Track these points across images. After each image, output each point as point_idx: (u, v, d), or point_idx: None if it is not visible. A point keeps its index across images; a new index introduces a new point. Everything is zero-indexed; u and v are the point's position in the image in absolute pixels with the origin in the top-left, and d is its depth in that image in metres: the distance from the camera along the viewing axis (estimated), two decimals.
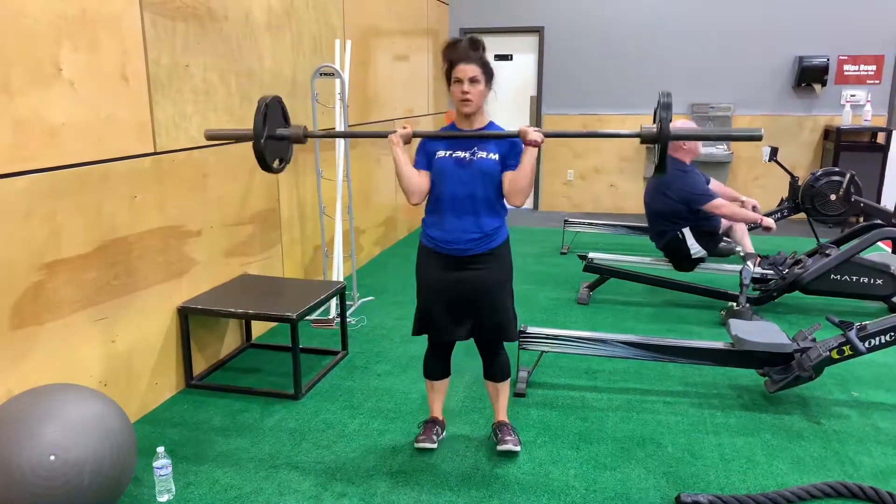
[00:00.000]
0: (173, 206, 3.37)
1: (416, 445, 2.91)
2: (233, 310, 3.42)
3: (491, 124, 2.74)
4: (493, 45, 8.39)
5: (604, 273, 4.91)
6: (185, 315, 3.44)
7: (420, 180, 2.69)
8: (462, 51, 2.59)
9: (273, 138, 2.72)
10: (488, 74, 2.63)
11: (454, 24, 8.37)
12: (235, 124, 3.86)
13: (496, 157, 2.63)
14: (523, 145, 2.58)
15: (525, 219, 8.04)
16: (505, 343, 2.86)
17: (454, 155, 2.66)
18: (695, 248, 4.65)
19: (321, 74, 4.44)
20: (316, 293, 3.69)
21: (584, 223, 6.40)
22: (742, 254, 4.77)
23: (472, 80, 2.58)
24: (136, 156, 3.11)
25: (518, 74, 8.42)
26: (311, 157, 4.76)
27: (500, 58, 8.43)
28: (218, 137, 2.86)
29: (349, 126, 5.06)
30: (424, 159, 2.74)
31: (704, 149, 7.76)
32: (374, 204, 6.20)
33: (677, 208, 4.60)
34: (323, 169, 4.68)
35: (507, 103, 8.48)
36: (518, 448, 2.86)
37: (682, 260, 4.77)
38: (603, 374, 3.67)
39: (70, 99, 2.71)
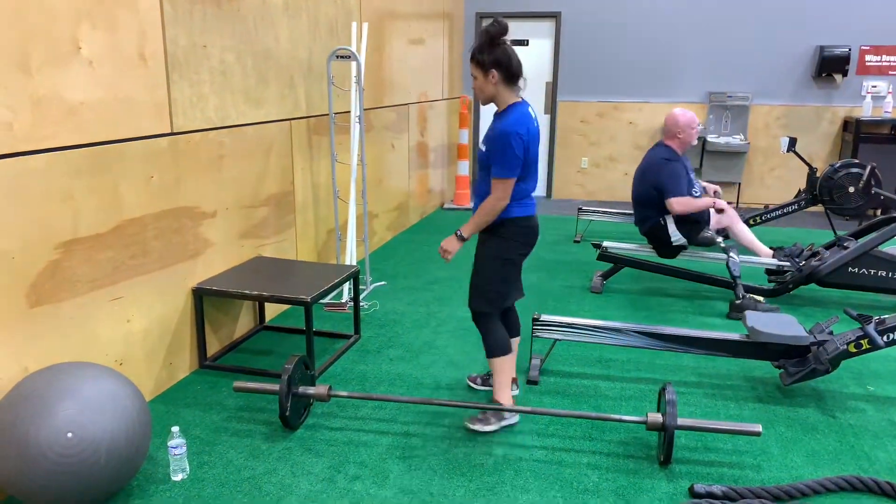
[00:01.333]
0: (189, 186, 3.37)
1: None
2: (247, 291, 3.42)
3: (508, 109, 2.83)
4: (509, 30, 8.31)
5: (617, 262, 4.89)
6: (200, 296, 3.45)
7: None
8: (473, 50, 2.83)
9: (297, 395, 2.95)
10: (482, 65, 2.79)
11: (470, 9, 8.30)
12: (251, 106, 3.85)
13: (485, 149, 2.84)
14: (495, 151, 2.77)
15: (537, 206, 8.00)
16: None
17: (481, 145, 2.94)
18: (675, 236, 4.64)
19: (337, 57, 4.42)
20: (330, 277, 3.69)
21: (598, 212, 6.36)
22: (721, 245, 4.70)
23: (473, 77, 2.84)
24: (153, 136, 3.10)
25: (534, 60, 8.35)
26: (326, 140, 4.74)
27: (515, 43, 8.35)
28: (246, 390, 2.97)
29: (364, 109, 5.04)
30: None
31: (721, 139, 7.68)
32: (388, 188, 6.19)
33: (654, 195, 4.59)
34: (337, 153, 4.67)
35: (523, 89, 8.42)
36: (474, 427, 2.94)
37: (664, 247, 4.76)
38: (616, 364, 3.66)
39: (88, 78, 2.71)
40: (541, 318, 3.45)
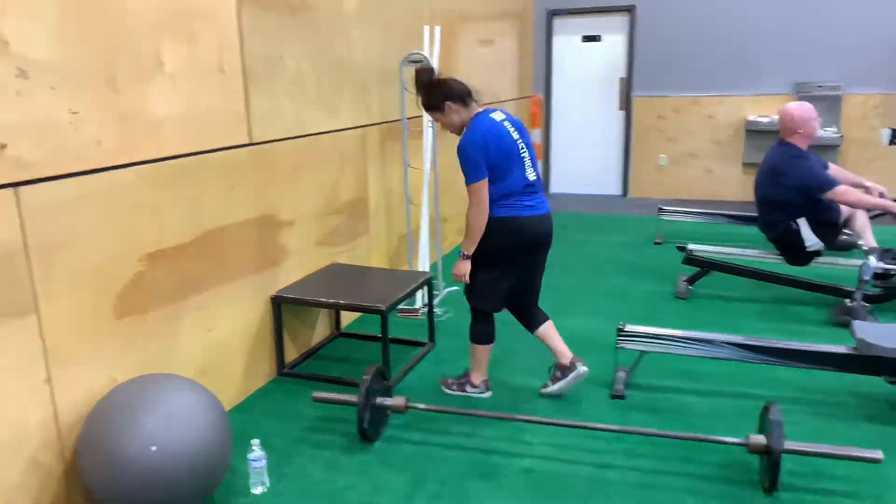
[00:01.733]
0: (267, 196, 3.38)
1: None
2: (324, 299, 3.41)
3: (470, 125, 3.04)
4: (580, 27, 8.13)
5: (705, 266, 4.66)
6: (279, 304, 3.45)
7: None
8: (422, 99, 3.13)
9: (375, 407, 2.93)
10: (437, 107, 3.06)
11: (540, 6, 8.14)
12: (326, 114, 3.84)
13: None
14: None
15: (613, 205, 7.79)
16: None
17: None
18: (810, 241, 4.31)
19: (410, 62, 4.36)
20: (404, 283, 3.65)
21: (680, 211, 6.11)
22: (865, 247, 4.38)
23: (436, 121, 3.14)
24: (233, 147, 3.12)
25: (607, 56, 8.13)
26: (398, 146, 4.70)
27: (588, 39, 8.16)
28: (324, 401, 2.98)
29: None
30: None
31: None
32: (459, 192, 6.08)
33: (791, 197, 4.28)
34: (409, 158, 4.62)
35: (596, 85, 8.22)
36: (447, 391, 3.33)
37: (796, 253, 4.45)
38: (708, 377, 3.47)
39: (171, 92, 2.73)
40: (626, 329, 3.29)
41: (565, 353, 3.27)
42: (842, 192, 4.14)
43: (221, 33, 2.98)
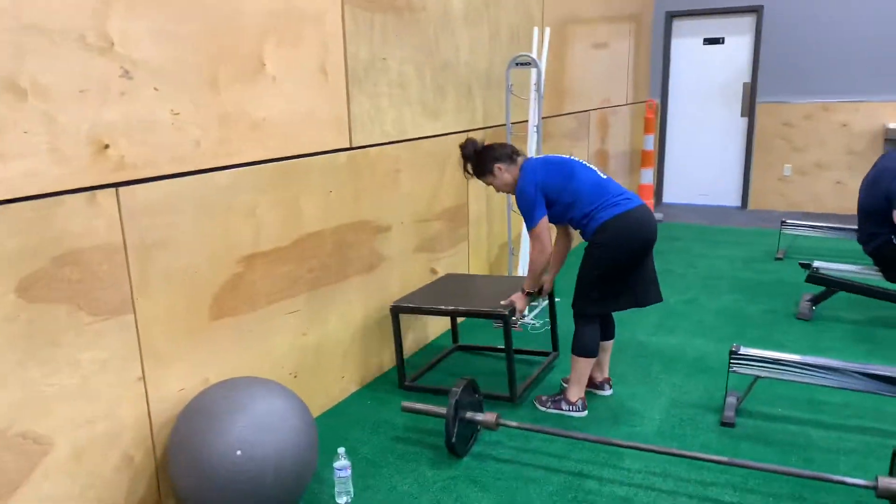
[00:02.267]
0: (366, 201, 3.36)
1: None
2: (442, 307, 3.28)
3: (520, 180, 3.09)
4: (701, 28, 7.73)
5: (831, 285, 4.25)
6: (397, 313, 3.36)
7: (563, 241, 3.39)
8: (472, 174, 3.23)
9: (464, 421, 2.83)
10: (489, 172, 3.14)
11: (659, 7, 7.80)
12: (428, 118, 3.79)
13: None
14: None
15: (731, 218, 7.32)
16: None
17: None
18: None
19: (517, 64, 4.25)
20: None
21: (805, 225, 5.64)
22: None
23: (489, 185, 3.21)
24: (333, 150, 3.11)
25: (730, 59, 7.67)
26: None
27: (709, 41, 7.74)
28: (413, 411, 2.91)
29: (542, 117, 4.84)
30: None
31: None
32: None
33: (885, 207, 3.86)
34: None
35: (716, 91, 7.79)
36: (542, 408, 3.20)
37: (894, 269, 4.01)
38: (830, 408, 3.13)
39: (272, 94, 2.75)
40: (740, 351, 3.02)
41: (605, 370, 3.37)
42: None
43: (325, 35, 2.98)
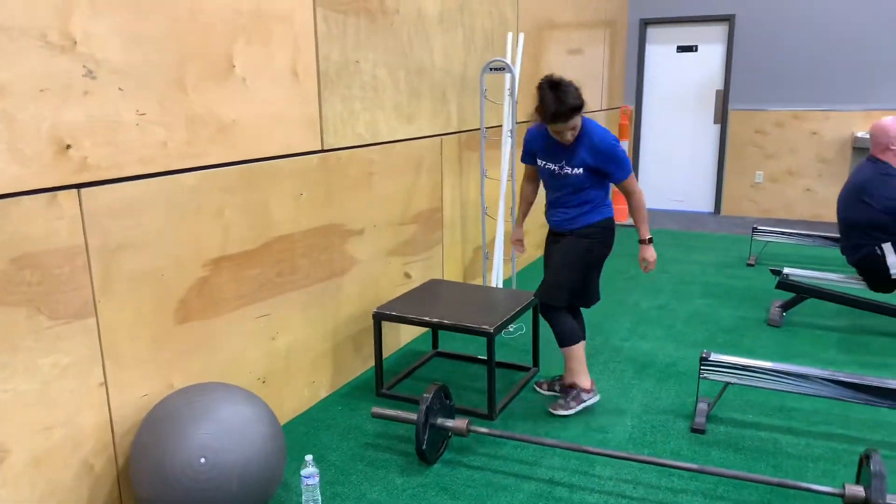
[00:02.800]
0: (338, 204, 3.32)
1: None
2: (427, 318, 3.21)
3: (583, 127, 3.03)
4: (675, 36, 7.80)
5: (801, 292, 4.30)
6: (379, 320, 3.32)
7: (531, 187, 3.47)
8: (557, 113, 2.87)
9: (435, 428, 2.79)
10: (580, 110, 2.94)
11: (634, 15, 7.86)
12: (403, 122, 3.76)
13: (581, 170, 3.03)
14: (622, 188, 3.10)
15: (704, 224, 7.39)
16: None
17: (547, 166, 3.16)
18: None
19: (491, 69, 4.24)
20: (510, 304, 3.39)
21: (777, 232, 5.70)
22: None
23: (573, 128, 2.97)
24: (304, 153, 3.08)
25: (702, 67, 7.75)
26: (477, 155, 4.59)
27: (682, 49, 7.81)
28: (384, 417, 2.87)
29: (517, 123, 4.83)
30: (530, 157, 3.28)
31: None
32: (537, 205, 5.92)
33: (878, 219, 3.92)
34: (487, 168, 4.49)
35: (689, 97, 7.86)
36: (556, 412, 3.17)
37: (880, 280, 4.08)
38: (800, 415, 3.16)
39: (242, 95, 2.71)
40: (710, 358, 3.04)
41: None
42: None
43: (296, 36, 2.95)
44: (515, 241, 3.48)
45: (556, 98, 2.85)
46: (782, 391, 2.97)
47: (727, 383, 3.05)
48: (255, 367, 2.93)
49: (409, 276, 4.02)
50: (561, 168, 3.09)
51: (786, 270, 4.36)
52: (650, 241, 3.12)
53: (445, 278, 4.42)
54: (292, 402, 3.18)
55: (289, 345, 3.11)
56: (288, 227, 3.02)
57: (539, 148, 3.17)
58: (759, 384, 2.96)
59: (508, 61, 4.30)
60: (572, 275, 3.12)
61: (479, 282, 4.81)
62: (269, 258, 2.93)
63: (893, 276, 3.98)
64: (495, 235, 4.49)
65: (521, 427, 3.08)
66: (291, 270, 3.07)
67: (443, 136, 4.21)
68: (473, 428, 2.79)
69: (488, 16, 4.59)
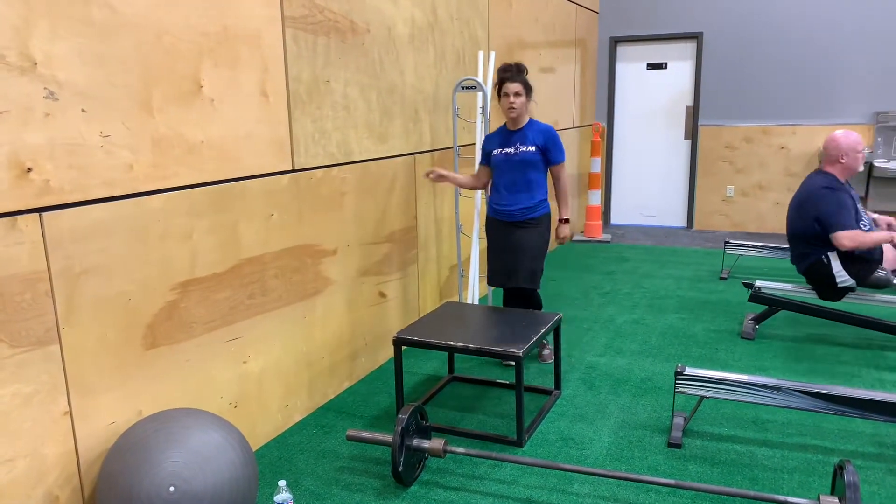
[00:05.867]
0: (310, 224, 3.30)
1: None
2: (451, 343, 3.08)
3: (530, 122, 3.74)
4: (645, 54, 7.92)
5: (773, 304, 4.34)
6: (400, 346, 3.19)
7: (478, 179, 3.92)
8: (511, 72, 3.65)
9: (411, 449, 2.77)
10: (528, 90, 3.70)
11: (604, 33, 7.97)
12: (375, 141, 3.76)
13: (534, 148, 3.66)
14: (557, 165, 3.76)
15: (677, 238, 7.46)
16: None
17: (503, 152, 3.71)
18: (841, 276, 4.02)
19: (463, 88, 4.26)
20: (534, 326, 3.29)
21: (748, 245, 5.77)
22: None
23: (517, 94, 3.64)
24: (275, 173, 3.05)
25: (672, 84, 7.87)
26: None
27: (652, 66, 7.93)
28: (359, 440, 2.83)
29: None
30: (484, 158, 3.83)
31: (891, 163, 6.83)
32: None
33: (816, 229, 4.00)
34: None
35: (660, 114, 7.97)
36: (549, 361, 4.00)
37: (827, 288, 4.15)
38: (774, 426, 3.17)
39: (210, 116, 2.68)
40: (685, 372, 3.04)
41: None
42: (843, 235, 3.90)
43: (265, 56, 2.93)
44: (436, 174, 3.82)
45: (508, 63, 3.71)
46: (756, 403, 2.98)
47: (702, 397, 3.06)
48: (227, 391, 2.88)
49: (385, 295, 3.99)
50: (516, 149, 3.66)
51: (758, 283, 4.40)
52: (567, 220, 3.82)
53: (421, 296, 4.40)
54: (265, 426, 3.13)
55: (261, 368, 3.07)
56: (258, 249, 2.98)
57: (495, 143, 3.75)
58: (734, 397, 2.97)
59: (480, 80, 4.32)
60: (542, 260, 3.76)
61: (455, 299, 4.79)
62: (239, 280, 2.89)
63: (840, 285, 4.05)
64: (470, 254, 4.49)
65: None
66: (263, 292, 3.03)
67: (416, 155, 4.21)
68: (450, 448, 2.75)
69: (459, 35, 4.62)
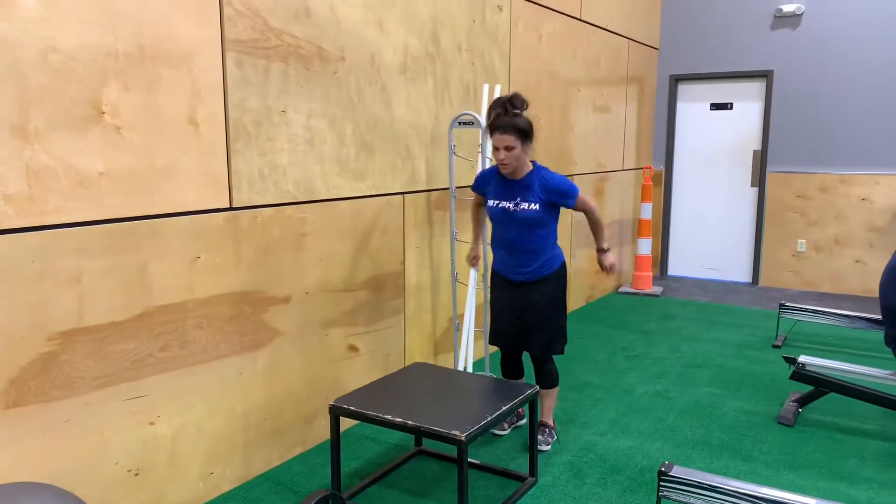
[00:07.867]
0: (253, 268, 2.94)
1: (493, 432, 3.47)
2: (389, 417, 2.64)
3: (533, 172, 3.12)
4: (709, 93, 7.28)
5: (820, 385, 3.63)
6: (337, 416, 2.77)
7: (483, 212, 3.45)
8: (499, 120, 2.99)
9: None
10: (524, 137, 3.02)
11: (664, 71, 7.40)
12: (349, 177, 3.39)
13: (537, 206, 3.09)
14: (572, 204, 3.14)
15: (739, 296, 6.69)
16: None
17: (501, 205, 3.16)
18: None
19: (460, 123, 3.84)
20: (498, 400, 2.78)
21: (807, 310, 5.01)
22: None
23: (507, 148, 3.01)
24: (203, 211, 2.72)
25: (738, 125, 7.17)
26: (447, 215, 4.16)
27: (716, 106, 7.27)
28: None
29: None
30: (480, 190, 3.33)
31: None
32: None
33: None
34: (458, 230, 4.06)
35: (724, 158, 7.28)
36: (546, 448, 3.29)
37: None
38: None
39: (114, 145, 2.38)
40: (671, 472, 2.46)
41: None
42: None
43: (196, 81, 2.63)
44: (473, 259, 3.53)
45: (501, 97, 3.03)
46: None
47: None
48: (124, 456, 2.52)
49: (357, 348, 3.57)
50: (517, 205, 3.12)
51: (802, 358, 3.70)
52: (608, 248, 3.29)
53: (408, 350, 3.95)
54: (180, 495, 2.75)
55: (176, 430, 2.70)
56: (176, 295, 2.64)
57: (491, 188, 3.22)
58: None
59: (482, 115, 3.90)
60: (560, 318, 3.26)
61: (451, 356, 4.32)
62: (147, 330, 2.55)
63: None
64: (465, 309, 4.02)
65: None
66: (181, 344, 2.68)
67: (406, 195, 3.82)
68: None
69: (469, 66, 4.23)
